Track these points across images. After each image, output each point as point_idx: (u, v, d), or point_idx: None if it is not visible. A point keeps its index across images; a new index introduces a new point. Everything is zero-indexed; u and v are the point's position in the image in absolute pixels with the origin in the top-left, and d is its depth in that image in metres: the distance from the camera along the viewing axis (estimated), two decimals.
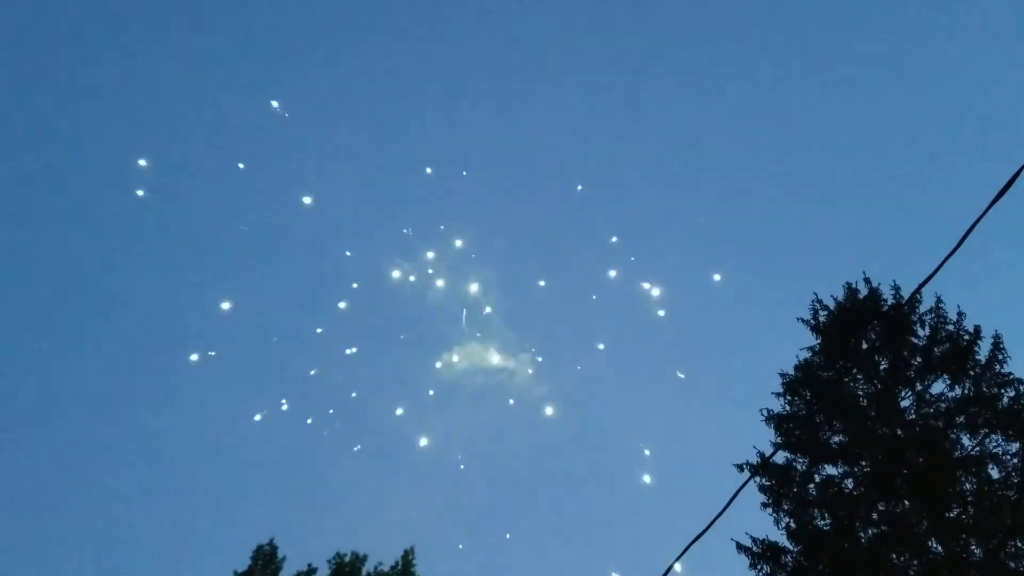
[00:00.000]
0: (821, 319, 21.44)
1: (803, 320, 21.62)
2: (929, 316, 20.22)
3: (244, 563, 28.88)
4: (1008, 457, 18.11)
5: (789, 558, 18.60)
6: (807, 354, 21.24)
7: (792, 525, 18.96)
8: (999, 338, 19.27)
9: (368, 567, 30.02)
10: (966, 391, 19.12)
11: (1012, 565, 16.81)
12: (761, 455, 19.94)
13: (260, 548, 29.43)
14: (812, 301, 21.74)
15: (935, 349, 19.80)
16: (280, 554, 29.65)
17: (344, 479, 61.27)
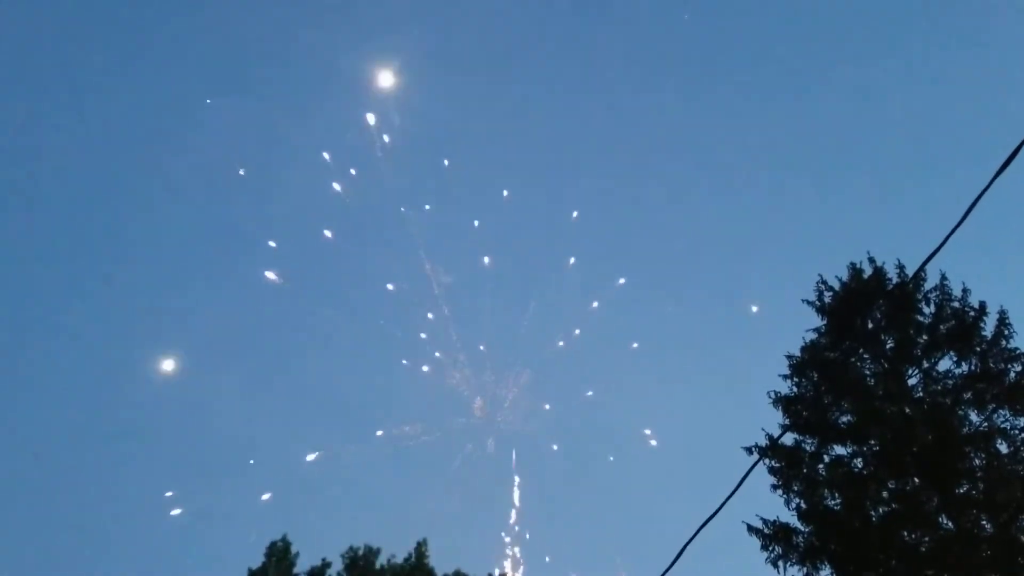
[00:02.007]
0: (826, 300, 21.44)
1: (808, 302, 21.62)
2: (934, 293, 20.22)
3: (258, 560, 29.03)
4: (1016, 432, 18.14)
5: (800, 539, 18.66)
6: (813, 335, 21.24)
7: (803, 506, 19.02)
8: (1004, 313, 19.27)
9: (381, 560, 30.14)
10: (973, 367, 19.13)
11: (1023, 539, 16.86)
12: (770, 437, 19.98)
13: (274, 544, 29.57)
14: (817, 282, 21.74)
15: (941, 326, 19.80)
16: (293, 550, 29.78)
17: (357, 474, 61.43)
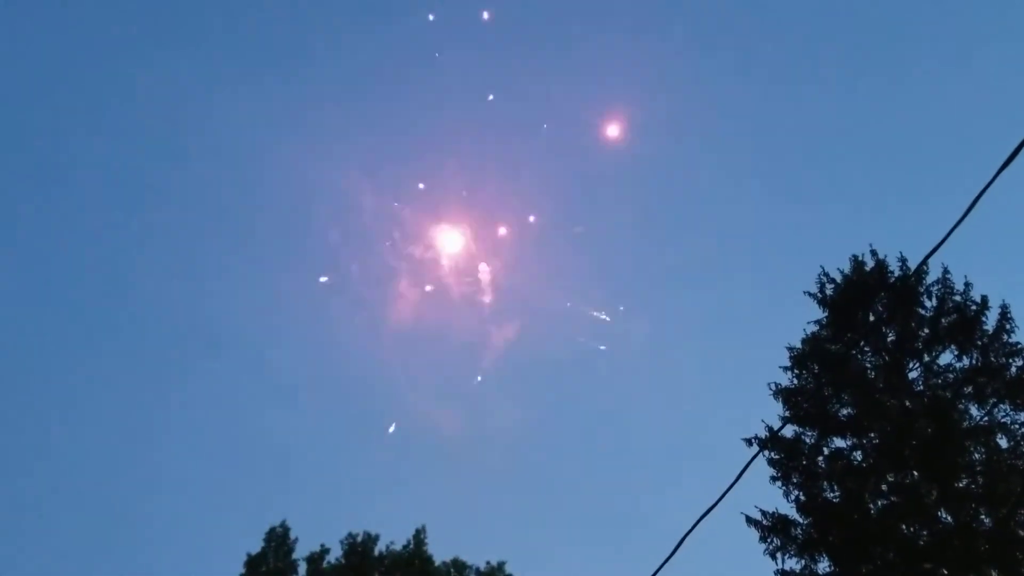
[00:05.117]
0: (828, 292, 21.39)
1: (810, 294, 21.56)
2: (936, 287, 20.18)
3: (257, 545, 29.15)
4: (1016, 427, 18.14)
5: (799, 531, 18.70)
6: (814, 328, 21.20)
7: (802, 498, 19.04)
8: (1006, 308, 19.24)
9: (380, 546, 30.28)
10: (974, 361, 19.11)
11: (1022, 534, 16.89)
12: (770, 429, 19.98)
13: (272, 530, 29.70)
14: (819, 274, 21.68)
15: (942, 320, 19.77)
16: (292, 535, 29.91)
17: (355, 460, 61.62)
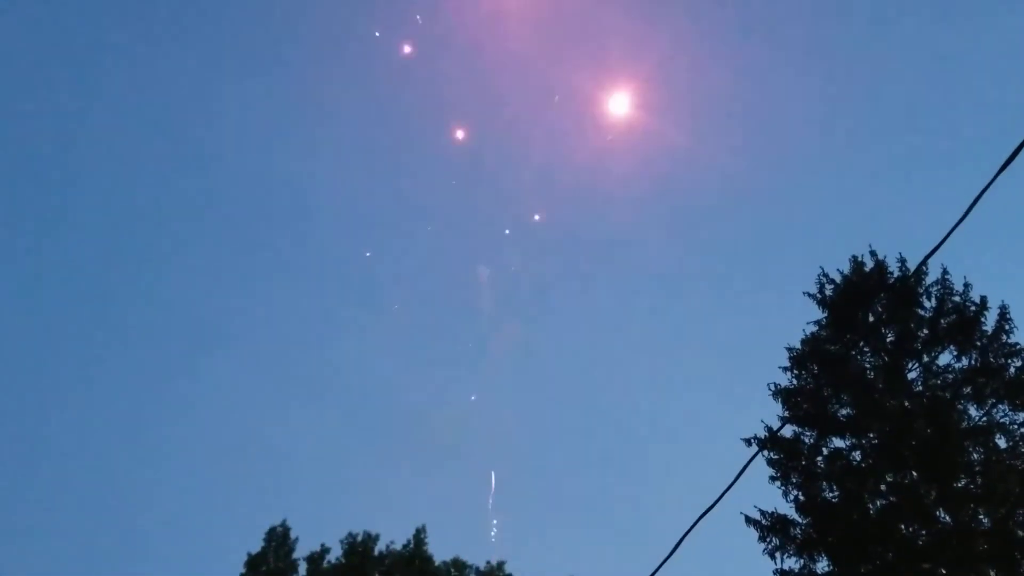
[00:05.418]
0: (828, 293, 21.40)
1: (809, 294, 21.58)
2: (935, 287, 20.19)
3: (258, 545, 29.15)
4: (1015, 427, 18.16)
5: (798, 531, 18.71)
6: (814, 328, 21.21)
7: (801, 498, 19.06)
8: (1005, 308, 19.25)
9: (380, 546, 30.28)
10: (973, 362, 19.13)
11: (1021, 534, 16.91)
12: (769, 429, 19.98)
13: (273, 530, 29.70)
14: (818, 275, 21.68)
15: (941, 320, 19.79)
16: (293, 535, 29.91)
17: (355, 460, 61.64)
